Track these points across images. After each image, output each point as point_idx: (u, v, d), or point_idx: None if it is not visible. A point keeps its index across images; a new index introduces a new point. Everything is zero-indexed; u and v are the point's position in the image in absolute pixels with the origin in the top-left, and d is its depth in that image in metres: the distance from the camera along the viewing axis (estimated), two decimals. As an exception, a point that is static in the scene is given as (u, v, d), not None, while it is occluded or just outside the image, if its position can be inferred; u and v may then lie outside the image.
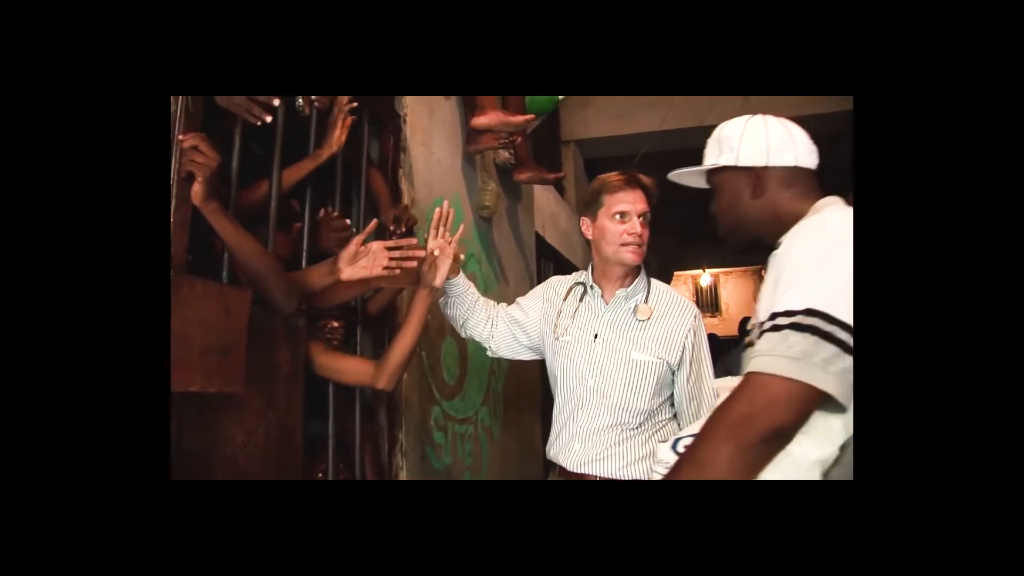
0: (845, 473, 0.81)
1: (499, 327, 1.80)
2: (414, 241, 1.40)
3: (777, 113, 1.08)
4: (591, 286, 1.71)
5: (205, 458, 1.08)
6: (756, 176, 1.03)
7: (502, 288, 2.87)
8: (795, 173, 1.04)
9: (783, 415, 0.81)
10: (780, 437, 0.82)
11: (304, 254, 1.45)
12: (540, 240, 3.78)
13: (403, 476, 1.80)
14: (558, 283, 1.83)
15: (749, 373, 0.85)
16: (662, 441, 1.01)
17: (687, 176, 1.16)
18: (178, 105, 1.02)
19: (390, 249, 1.33)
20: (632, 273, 1.68)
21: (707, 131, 1.10)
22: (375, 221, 1.36)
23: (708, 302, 12.17)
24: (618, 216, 1.62)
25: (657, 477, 0.94)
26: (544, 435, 3.44)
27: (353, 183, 1.74)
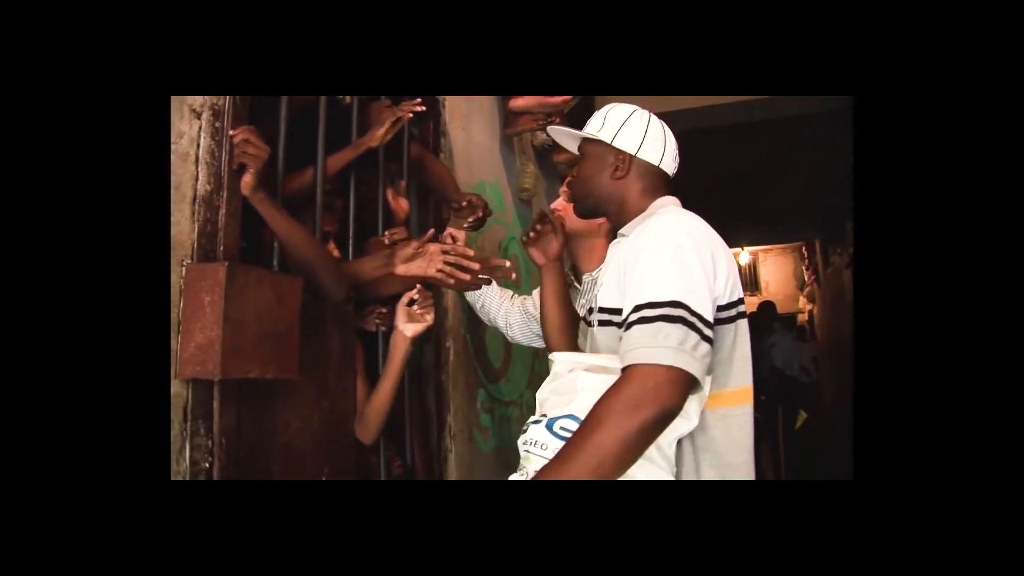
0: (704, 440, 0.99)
1: (514, 316, 1.86)
2: (470, 252, 1.41)
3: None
4: (566, 274, 1.73)
5: (263, 444, 1.10)
6: (624, 159, 1.14)
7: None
8: (654, 171, 1.16)
9: (670, 399, 0.89)
10: (668, 418, 0.90)
11: (351, 238, 1.46)
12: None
13: (451, 460, 1.81)
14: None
15: (633, 365, 0.91)
16: (534, 421, 1.04)
17: (564, 135, 1.26)
18: (226, 102, 1.03)
19: (446, 254, 1.35)
20: (599, 259, 1.69)
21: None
22: (431, 231, 1.38)
23: (748, 281, 12.02)
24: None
25: (536, 458, 0.99)
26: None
27: (395, 166, 1.74)
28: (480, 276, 1.49)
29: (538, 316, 1.84)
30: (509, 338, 1.87)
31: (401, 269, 1.35)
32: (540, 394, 1.12)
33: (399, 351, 1.48)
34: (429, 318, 1.50)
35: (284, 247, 1.18)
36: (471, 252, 1.43)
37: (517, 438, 2.43)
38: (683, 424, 0.96)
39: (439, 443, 1.78)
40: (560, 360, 1.10)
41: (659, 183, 1.17)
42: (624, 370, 0.95)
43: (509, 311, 1.85)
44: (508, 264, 1.55)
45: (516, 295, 1.94)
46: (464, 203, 1.62)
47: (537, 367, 2.73)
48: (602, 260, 1.73)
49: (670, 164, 1.19)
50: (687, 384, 0.91)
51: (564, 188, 1.75)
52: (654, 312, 0.95)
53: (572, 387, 1.04)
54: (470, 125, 2.28)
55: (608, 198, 1.18)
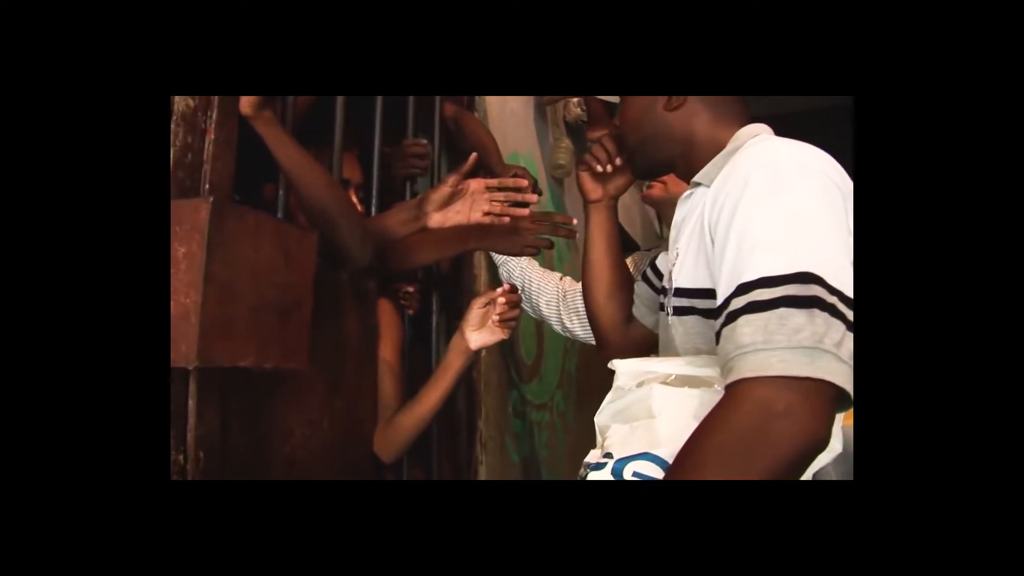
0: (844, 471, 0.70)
1: (577, 303, 1.57)
2: (524, 183, 1.09)
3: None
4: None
5: (257, 458, 0.81)
6: None
7: (575, 259, 2.56)
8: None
9: (811, 428, 0.60)
10: (808, 457, 0.61)
11: (375, 191, 1.15)
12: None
13: (482, 472, 1.52)
14: (639, 260, 1.58)
15: (744, 381, 0.62)
16: (595, 465, 0.71)
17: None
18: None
19: (492, 191, 1.03)
20: None
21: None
22: (475, 155, 1.06)
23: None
24: None
25: None
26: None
27: (423, 118, 1.43)
28: (541, 235, 1.17)
29: None
30: (564, 332, 1.59)
31: (436, 219, 1.03)
32: (600, 419, 0.78)
33: (457, 362, 1.15)
34: (507, 329, 1.17)
35: (295, 190, 0.87)
36: (525, 183, 1.10)
37: (544, 447, 2.14)
38: (823, 456, 0.65)
39: (469, 452, 1.48)
40: (625, 371, 0.76)
41: (736, 107, 0.87)
42: (730, 387, 0.64)
43: (570, 299, 1.57)
44: (575, 221, 1.24)
45: (564, 277, 1.66)
46: (510, 177, 1.31)
47: (567, 365, 2.44)
48: None
49: None
50: (833, 401, 0.61)
51: None
52: (771, 293, 0.63)
53: (644, 410, 0.71)
54: (505, 86, 1.98)
55: (668, 139, 0.87)
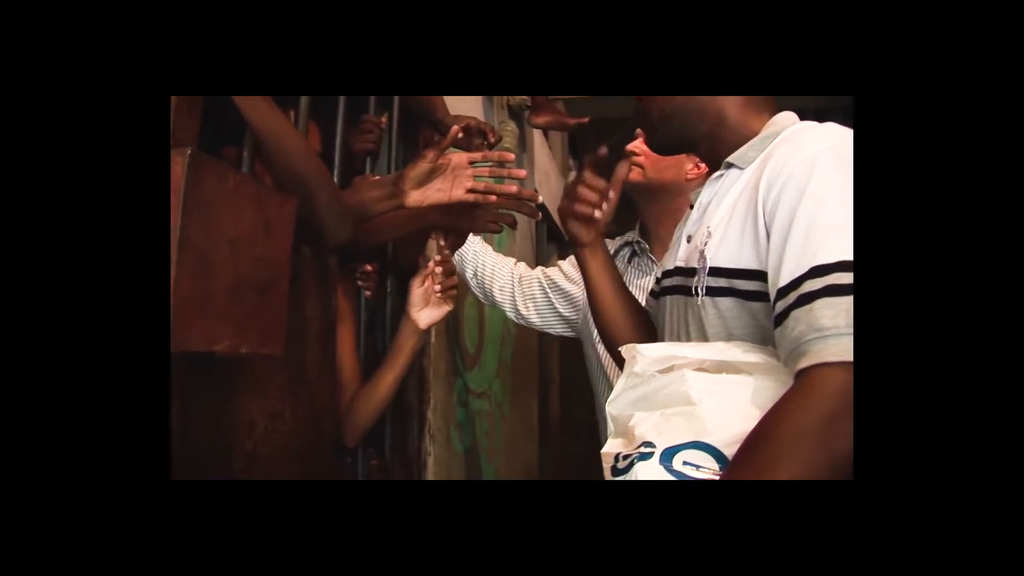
0: None
1: (532, 289, 1.53)
2: (511, 156, 1.03)
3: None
4: (637, 242, 1.44)
5: (220, 455, 0.71)
6: None
7: (511, 245, 2.51)
8: None
9: None
10: None
11: (336, 164, 1.05)
12: (537, 198, 3.43)
13: (430, 464, 1.45)
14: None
15: (826, 365, 0.61)
16: (640, 456, 0.68)
17: None
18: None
19: (476, 166, 0.95)
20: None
21: None
22: (456, 127, 0.98)
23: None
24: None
25: None
26: (543, 414, 3.16)
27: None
28: (504, 211, 1.12)
29: (568, 291, 1.52)
30: (519, 319, 1.54)
31: (414, 197, 0.94)
32: (614, 408, 0.74)
33: (409, 343, 1.11)
34: (451, 301, 1.13)
35: (268, 156, 0.76)
36: (512, 157, 1.04)
37: (485, 436, 2.09)
38: None
39: (419, 444, 1.41)
40: (647, 355, 0.72)
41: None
42: (804, 372, 0.62)
43: (525, 284, 1.52)
44: (540, 198, 1.18)
45: (519, 263, 1.61)
46: (461, 128, 1.23)
47: (504, 355, 2.40)
48: None
49: None
50: None
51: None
52: (851, 278, 0.62)
53: (678, 397, 0.68)
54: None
55: (698, 114, 0.84)
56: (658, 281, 0.96)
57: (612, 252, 1.50)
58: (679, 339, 0.83)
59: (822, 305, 0.62)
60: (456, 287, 1.14)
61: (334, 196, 0.83)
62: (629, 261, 1.46)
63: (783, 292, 0.66)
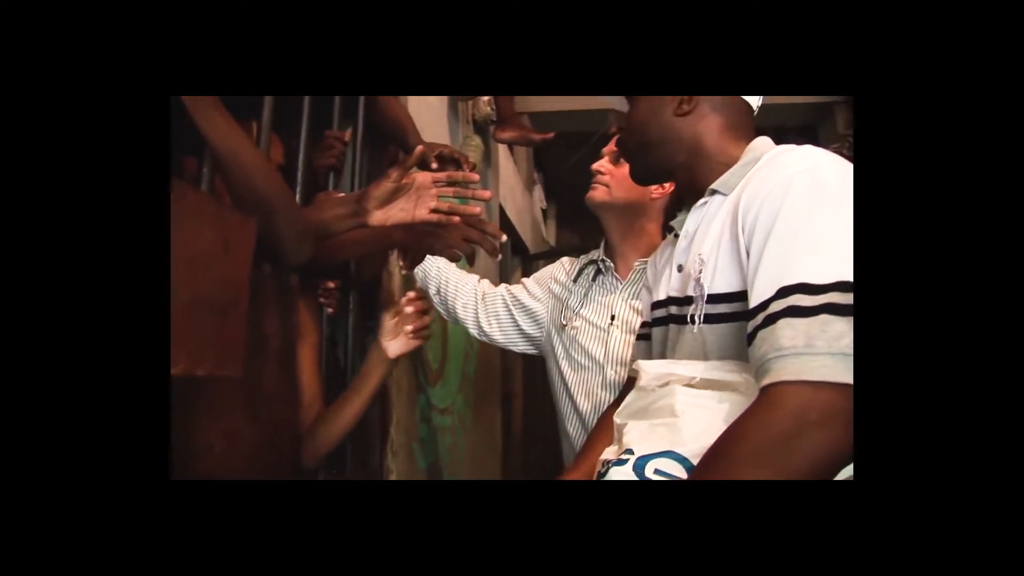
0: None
1: (496, 307, 1.53)
2: (475, 177, 1.03)
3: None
4: (602, 260, 1.45)
5: (176, 475, 0.70)
6: None
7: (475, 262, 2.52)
8: (733, 102, 0.86)
9: (844, 437, 0.60)
10: (841, 465, 0.62)
11: (299, 182, 1.04)
12: (501, 213, 3.43)
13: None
14: (568, 264, 1.57)
15: (784, 384, 0.63)
16: (617, 462, 0.72)
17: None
18: None
19: (440, 185, 0.96)
20: (652, 244, 1.43)
21: None
22: (420, 148, 0.98)
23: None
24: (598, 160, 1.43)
25: None
26: (505, 428, 3.16)
27: (352, 108, 1.33)
28: (467, 239, 1.12)
29: (532, 308, 1.52)
30: (481, 336, 1.54)
31: (378, 217, 0.94)
32: (619, 418, 0.78)
33: (377, 371, 1.09)
34: (422, 334, 1.11)
35: (227, 172, 0.75)
36: (476, 177, 1.05)
37: (447, 452, 2.08)
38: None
39: (381, 462, 1.40)
40: (649, 372, 0.76)
41: (745, 119, 0.87)
42: (766, 390, 0.64)
43: (489, 301, 1.52)
44: (504, 238, 1.19)
45: (482, 280, 1.61)
46: (433, 156, 1.24)
47: (468, 369, 2.39)
48: (650, 248, 1.45)
49: (756, 97, 0.88)
50: None
51: (610, 147, 1.43)
52: (814, 299, 0.64)
53: (666, 409, 0.71)
54: (423, 77, 1.90)
55: (675, 143, 0.86)
56: (653, 308, 0.95)
57: (576, 270, 1.51)
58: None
59: (783, 325, 0.64)
60: (428, 327, 1.12)
61: (294, 214, 0.82)
62: (593, 279, 1.48)
63: (753, 313, 0.68)
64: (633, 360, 1.00)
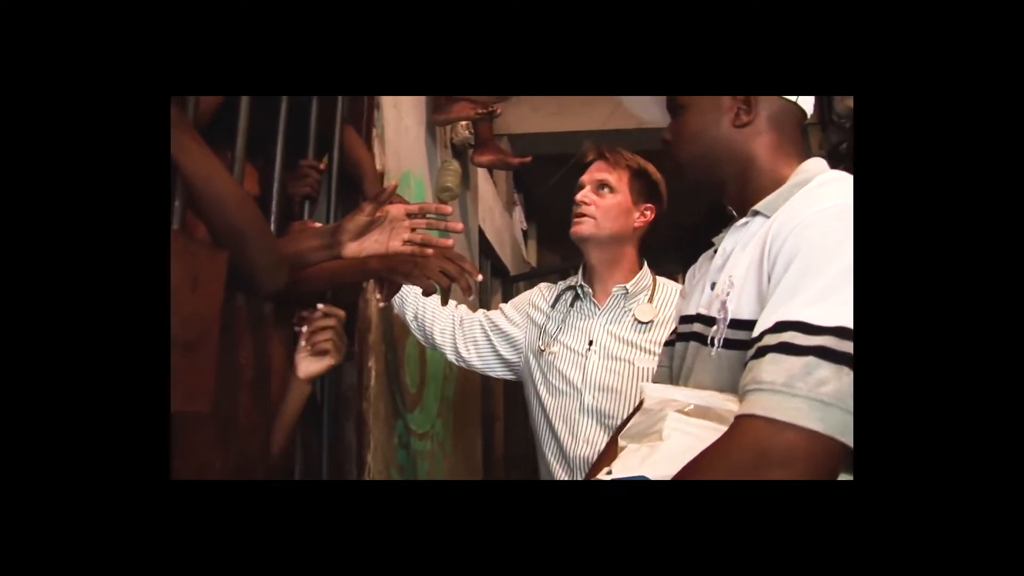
0: None
1: (474, 332, 1.54)
2: (448, 209, 1.04)
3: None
4: (581, 286, 1.47)
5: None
6: (744, 98, 0.82)
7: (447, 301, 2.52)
8: (790, 111, 0.84)
9: (806, 477, 0.60)
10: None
11: (273, 210, 1.05)
12: (481, 235, 3.45)
13: (368, 509, 1.42)
14: (546, 290, 1.59)
15: (754, 417, 0.63)
16: (600, 481, 0.74)
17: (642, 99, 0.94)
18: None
19: (414, 218, 0.97)
20: (631, 270, 1.45)
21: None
22: (394, 183, 0.99)
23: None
24: (578, 190, 1.45)
25: None
26: (486, 450, 3.14)
27: (327, 137, 1.34)
28: (444, 272, 1.13)
29: (510, 333, 1.53)
30: (459, 361, 1.55)
31: (352, 248, 0.95)
32: (623, 440, 0.79)
33: (293, 396, 1.04)
34: (333, 352, 1.04)
35: (199, 203, 0.75)
36: (449, 209, 1.06)
37: (426, 476, 2.06)
38: None
39: (357, 490, 1.38)
40: (652, 395, 0.77)
41: (797, 137, 0.84)
42: (738, 419, 0.64)
43: (466, 327, 1.52)
44: (480, 277, 1.20)
45: (460, 305, 1.61)
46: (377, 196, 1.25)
47: (447, 392, 2.39)
48: (631, 272, 1.47)
49: (808, 99, 0.84)
50: (840, 460, 0.61)
51: (591, 176, 1.45)
52: (807, 340, 0.62)
53: (657, 433, 0.72)
54: (400, 102, 1.92)
55: (729, 157, 0.83)
56: (681, 321, 0.93)
57: (555, 296, 1.53)
58: (687, 385, 0.84)
59: (770, 360, 0.64)
60: (329, 340, 1.07)
61: (268, 244, 0.82)
62: (572, 305, 1.49)
63: (752, 342, 0.68)
64: (658, 361, 1.02)
